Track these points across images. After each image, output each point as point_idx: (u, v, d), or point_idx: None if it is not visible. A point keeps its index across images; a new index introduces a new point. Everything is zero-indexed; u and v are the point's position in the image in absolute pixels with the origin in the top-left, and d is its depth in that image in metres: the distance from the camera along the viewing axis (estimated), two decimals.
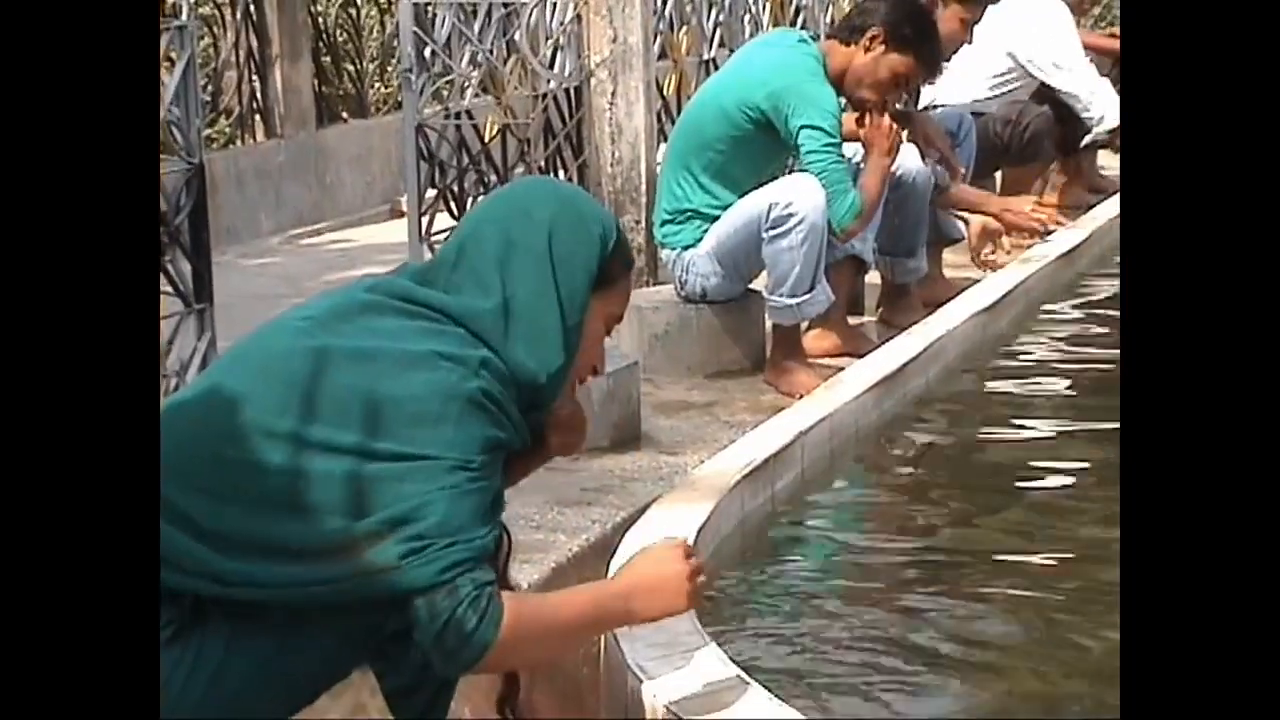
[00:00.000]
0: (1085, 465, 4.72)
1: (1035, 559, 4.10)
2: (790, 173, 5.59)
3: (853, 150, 5.67)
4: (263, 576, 2.61)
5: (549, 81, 6.61)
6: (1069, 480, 4.70)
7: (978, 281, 6.06)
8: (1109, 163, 9.11)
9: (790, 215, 5.29)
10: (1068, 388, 5.59)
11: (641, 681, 2.93)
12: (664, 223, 5.68)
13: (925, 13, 5.78)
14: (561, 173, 6.69)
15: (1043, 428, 5.17)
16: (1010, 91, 7.69)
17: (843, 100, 5.56)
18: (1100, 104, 7.70)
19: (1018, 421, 5.21)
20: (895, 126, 5.56)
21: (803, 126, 5.35)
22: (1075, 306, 6.45)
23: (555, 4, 6.66)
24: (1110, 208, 7.49)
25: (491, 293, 2.76)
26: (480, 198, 6.22)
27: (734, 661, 2.99)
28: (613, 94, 6.69)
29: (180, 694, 2.50)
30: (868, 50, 5.48)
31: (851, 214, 5.37)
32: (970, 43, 6.58)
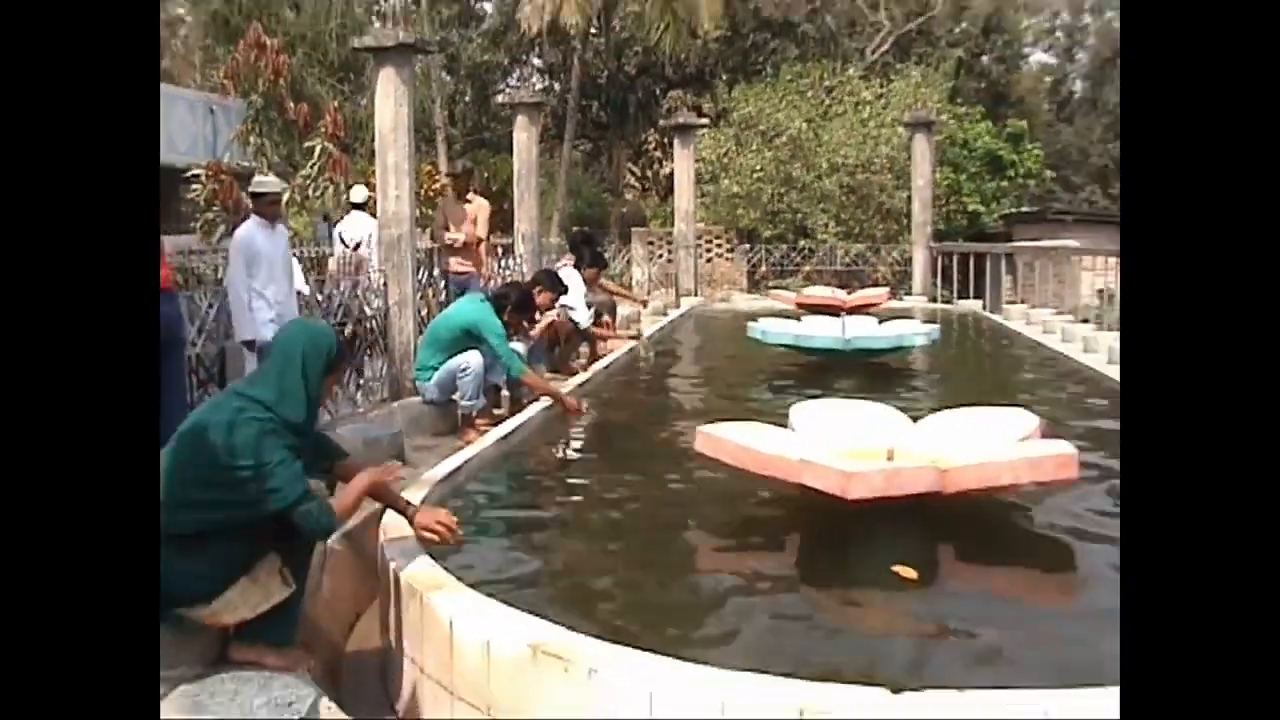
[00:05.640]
0: (578, 497, 4.12)
1: (614, 520, 3.74)
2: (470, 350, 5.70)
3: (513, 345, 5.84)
4: (211, 515, 2.54)
5: (373, 311, 6.68)
6: (596, 499, 4.13)
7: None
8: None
9: (468, 367, 5.57)
10: (573, 457, 4.97)
11: (390, 560, 2.97)
12: (418, 371, 5.83)
13: (530, 296, 6.03)
14: (378, 348, 6.69)
15: (572, 469, 4.71)
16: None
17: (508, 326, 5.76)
18: (580, 316, 7.37)
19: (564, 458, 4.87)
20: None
21: (491, 336, 5.56)
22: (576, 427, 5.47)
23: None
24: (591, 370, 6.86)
25: (276, 386, 2.66)
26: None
27: (432, 558, 2.93)
28: (400, 317, 6.74)
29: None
30: (508, 317, 5.79)
31: (519, 374, 5.60)
32: (552, 309, 6.71)
